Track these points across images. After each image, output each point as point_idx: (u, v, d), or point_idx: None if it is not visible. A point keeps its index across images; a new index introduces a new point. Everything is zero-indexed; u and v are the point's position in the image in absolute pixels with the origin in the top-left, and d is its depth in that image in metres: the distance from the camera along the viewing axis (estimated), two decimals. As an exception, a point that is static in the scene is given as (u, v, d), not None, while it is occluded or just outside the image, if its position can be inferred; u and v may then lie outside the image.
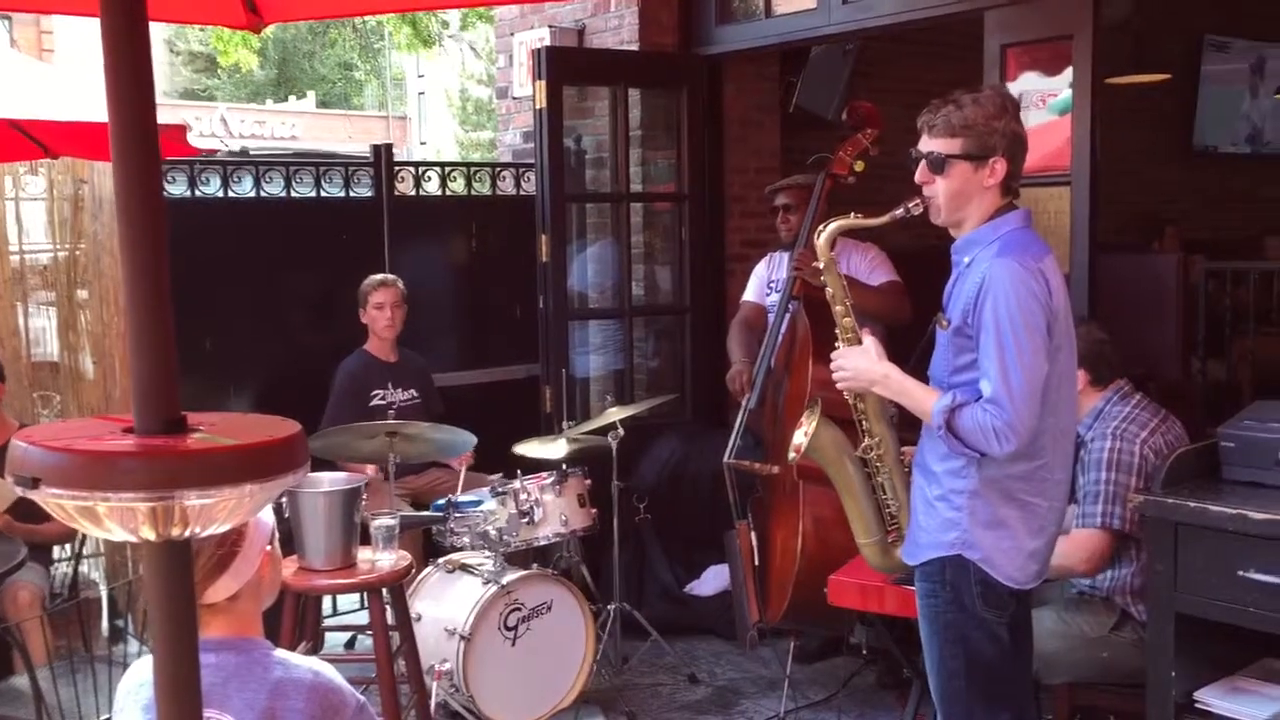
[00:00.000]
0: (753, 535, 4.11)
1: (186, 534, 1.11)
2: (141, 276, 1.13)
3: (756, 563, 4.10)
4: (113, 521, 1.08)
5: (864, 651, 4.35)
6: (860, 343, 2.80)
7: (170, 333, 1.15)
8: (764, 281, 4.79)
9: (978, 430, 2.52)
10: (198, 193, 4.87)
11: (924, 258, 4.14)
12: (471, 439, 4.38)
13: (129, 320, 1.15)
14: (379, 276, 4.96)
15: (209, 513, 1.11)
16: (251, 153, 7.37)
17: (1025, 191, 2.78)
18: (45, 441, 1.08)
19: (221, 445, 1.11)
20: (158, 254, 1.15)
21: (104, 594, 4.83)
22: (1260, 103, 8.68)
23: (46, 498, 1.07)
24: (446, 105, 29.24)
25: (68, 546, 4.82)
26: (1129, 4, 6.44)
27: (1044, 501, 2.64)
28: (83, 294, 5.00)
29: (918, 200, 2.72)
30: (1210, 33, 8.21)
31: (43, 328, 5.05)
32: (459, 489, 4.39)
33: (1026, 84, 4.45)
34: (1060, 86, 4.29)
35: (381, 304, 4.87)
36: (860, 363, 2.75)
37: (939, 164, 2.65)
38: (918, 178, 2.71)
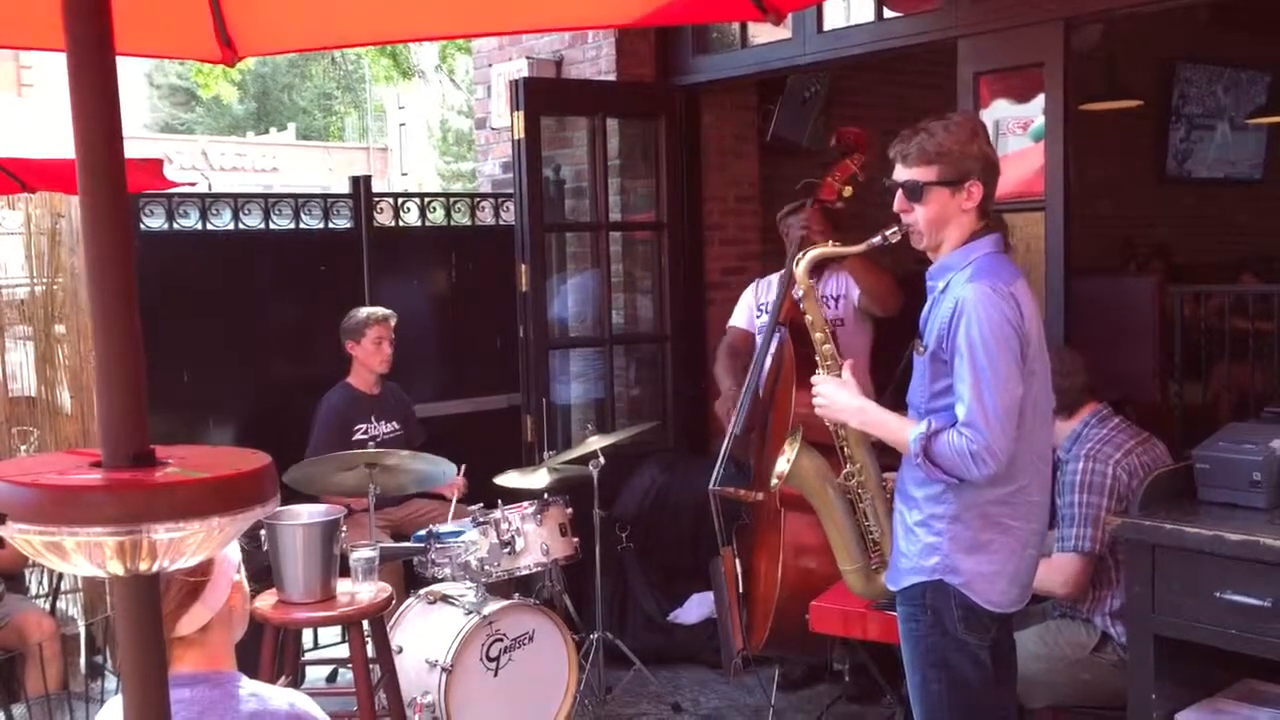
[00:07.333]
0: (737, 563, 4.10)
1: (155, 568, 1.10)
2: (110, 309, 1.13)
3: (741, 590, 4.09)
4: (80, 556, 1.07)
5: (846, 678, 4.34)
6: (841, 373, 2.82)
7: (139, 366, 1.15)
8: (752, 307, 4.79)
9: (954, 455, 2.53)
10: (176, 225, 4.86)
11: (903, 283, 4.17)
12: (452, 468, 4.37)
13: (97, 353, 1.15)
14: (379, 311, 4.92)
15: (177, 546, 1.10)
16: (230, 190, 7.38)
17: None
18: (11, 477, 1.07)
19: (189, 478, 1.11)
20: (126, 287, 1.14)
21: (82, 630, 4.79)
22: (1233, 129, 8.77)
23: (13, 533, 1.06)
24: (427, 136, 29.29)
25: (45, 582, 4.79)
26: (1099, 31, 6.49)
27: (1023, 524, 2.66)
28: (60, 328, 4.99)
29: (895, 228, 2.75)
30: (1183, 60, 8.30)
31: (20, 362, 5.03)
32: (449, 518, 4.38)
33: (1002, 111, 4.49)
34: (1037, 112, 4.33)
35: (380, 338, 4.87)
36: (838, 396, 2.78)
37: (917, 191, 2.67)
38: (896, 206, 2.73)
